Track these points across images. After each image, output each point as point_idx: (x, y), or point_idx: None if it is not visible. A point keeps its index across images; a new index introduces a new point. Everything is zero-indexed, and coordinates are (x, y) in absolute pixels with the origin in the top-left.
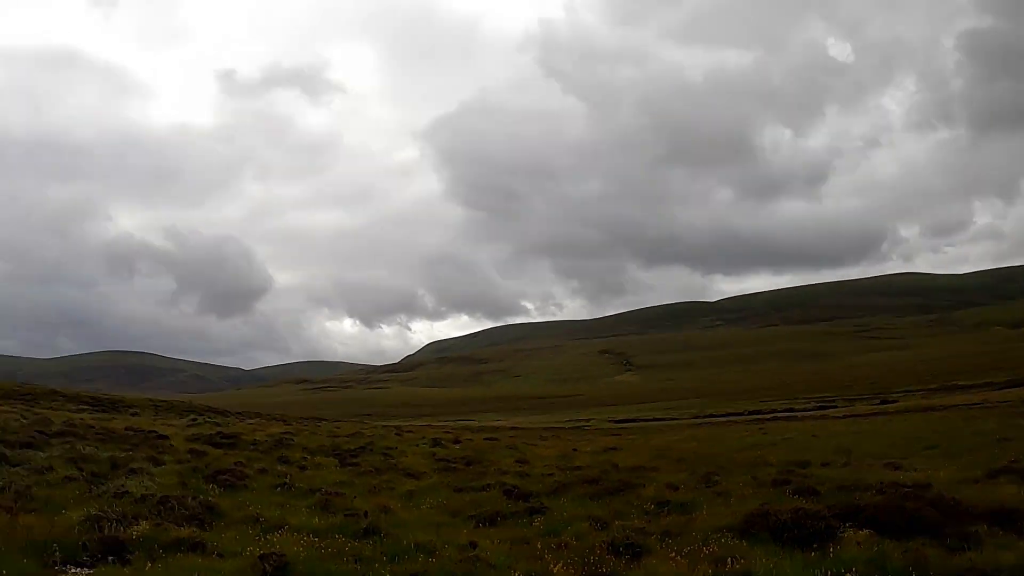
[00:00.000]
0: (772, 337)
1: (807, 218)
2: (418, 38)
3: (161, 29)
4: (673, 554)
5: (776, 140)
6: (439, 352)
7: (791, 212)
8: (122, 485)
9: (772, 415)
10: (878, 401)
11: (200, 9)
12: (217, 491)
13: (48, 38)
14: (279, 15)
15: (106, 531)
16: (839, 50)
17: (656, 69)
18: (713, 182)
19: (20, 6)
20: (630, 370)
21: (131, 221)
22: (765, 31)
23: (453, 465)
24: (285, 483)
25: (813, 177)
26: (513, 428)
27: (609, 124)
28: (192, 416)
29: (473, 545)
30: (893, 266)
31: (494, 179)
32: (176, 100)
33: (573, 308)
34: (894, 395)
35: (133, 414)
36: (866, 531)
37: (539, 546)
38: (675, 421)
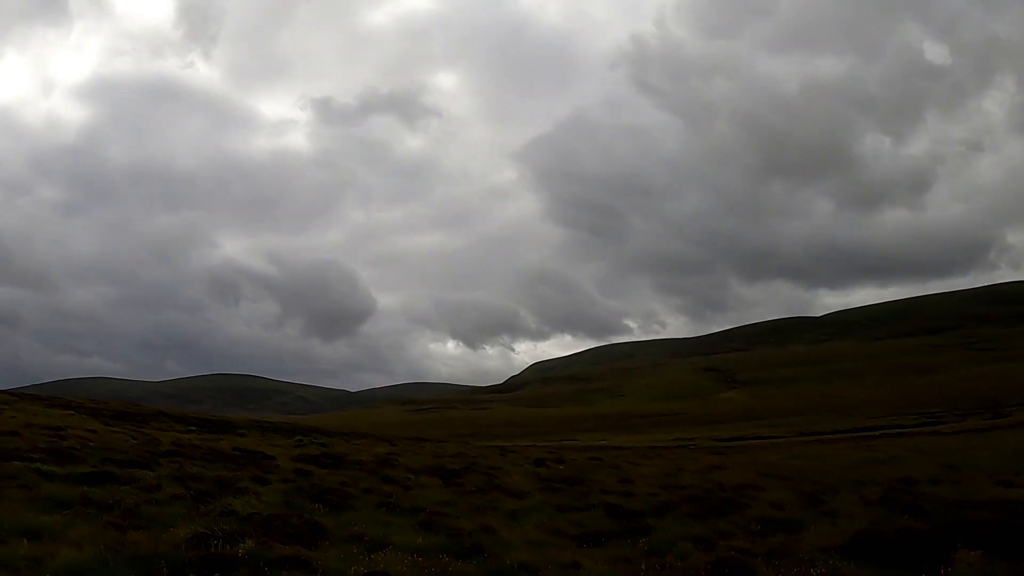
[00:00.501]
0: (878, 351)
1: (911, 228)
2: (511, 60)
3: (259, 60)
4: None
5: (875, 148)
6: (543, 372)
7: (894, 222)
8: (228, 504)
9: (880, 431)
10: (989, 415)
11: (296, 39)
12: (322, 510)
13: (150, 71)
14: (373, 42)
15: (212, 548)
16: (935, 53)
17: (750, 80)
18: (812, 193)
19: (122, 40)
20: (734, 387)
21: (235, 247)
22: (858, 37)
23: (556, 485)
24: (389, 502)
25: (915, 185)
26: (617, 447)
27: (704, 138)
28: (298, 437)
29: (576, 565)
30: (1002, 274)
31: (591, 198)
32: (275, 129)
33: (676, 325)
34: (1006, 408)
35: (240, 435)
36: (977, 552)
37: (643, 566)
38: (780, 439)
